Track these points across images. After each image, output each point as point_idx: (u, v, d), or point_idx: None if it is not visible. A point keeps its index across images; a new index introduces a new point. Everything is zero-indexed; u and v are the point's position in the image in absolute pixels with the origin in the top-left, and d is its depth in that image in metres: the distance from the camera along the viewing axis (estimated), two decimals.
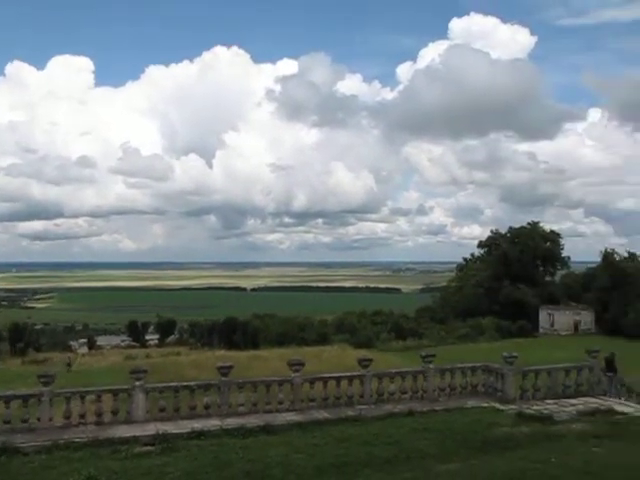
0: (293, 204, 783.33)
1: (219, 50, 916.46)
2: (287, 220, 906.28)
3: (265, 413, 17.79)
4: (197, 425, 16.22)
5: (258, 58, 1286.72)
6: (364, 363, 19.44)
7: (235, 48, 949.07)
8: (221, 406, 17.75)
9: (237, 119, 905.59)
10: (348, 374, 19.43)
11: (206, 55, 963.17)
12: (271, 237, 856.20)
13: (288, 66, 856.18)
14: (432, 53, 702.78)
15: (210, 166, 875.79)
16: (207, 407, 17.65)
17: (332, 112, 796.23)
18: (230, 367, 18.20)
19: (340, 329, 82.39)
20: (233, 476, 11.89)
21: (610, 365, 24.71)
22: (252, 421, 16.66)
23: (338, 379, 19.06)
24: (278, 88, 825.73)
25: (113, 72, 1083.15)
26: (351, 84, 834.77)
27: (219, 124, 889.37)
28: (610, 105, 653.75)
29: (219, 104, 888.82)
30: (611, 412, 17.61)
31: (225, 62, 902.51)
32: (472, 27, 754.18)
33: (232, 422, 16.58)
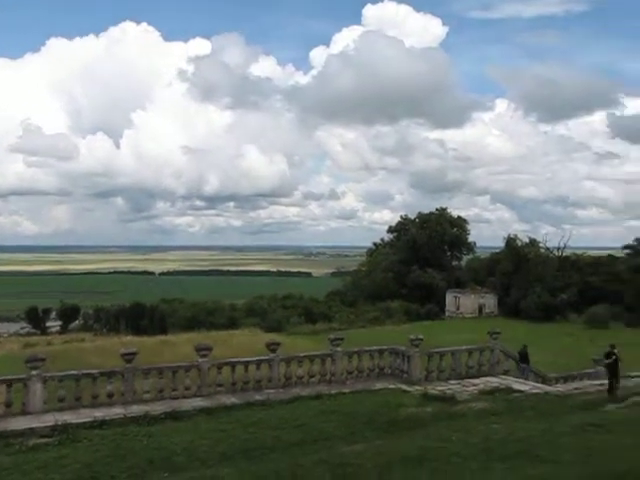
0: (204, 187, 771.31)
1: (127, 26, 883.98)
2: (198, 203, 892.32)
3: (171, 399, 17.44)
4: (99, 414, 15.68)
5: (169, 36, 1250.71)
6: (272, 347, 19.40)
7: (144, 25, 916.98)
8: (125, 394, 17.24)
9: (146, 98, 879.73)
10: (256, 358, 19.38)
11: (113, 30, 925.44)
12: (181, 220, 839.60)
13: (200, 46, 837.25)
14: (346, 39, 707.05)
15: (118, 146, 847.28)
16: (110, 395, 17.09)
17: (245, 94, 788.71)
18: (134, 353, 17.69)
19: (250, 313, 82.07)
20: (136, 465, 11.55)
21: (523, 357, 25.90)
22: (157, 408, 16.28)
23: (246, 364, 18.97)
24: (190, 68, 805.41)
25: (9, 42, 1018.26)
26: (265, 66, 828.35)
27: (127, 103, 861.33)
28: (515, 97, 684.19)
29: (127, 82, 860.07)
30: (509, 390, 18.45)
31: (134, 39, 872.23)
32: (386, 14, 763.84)
33: (137, 409, 16.15)
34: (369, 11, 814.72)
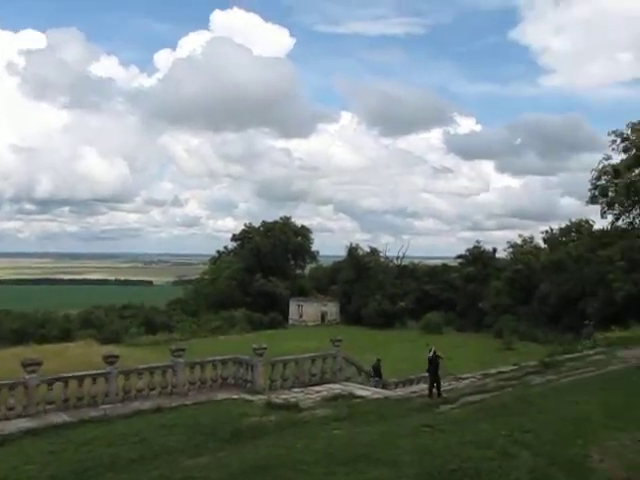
0: (36, 190, 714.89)
1: None
2: (28, 207, 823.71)
3: None
4: None
5: None
6: (110, 360, 18.49)
7: None
8: None
9: None
10: (92, 372, 18.36)
11: None
12: (8, 225, 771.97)
13: (34, 38, 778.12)
14: (193, 43, 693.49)
15: None
16: None
17: (85, 94, 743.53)
18: None
19: (86, 324, 78.05)
20: None
21: (377, 371, 26.64)
22: None
23: (81, 378, 17.88)
24: (21, 62, 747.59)
25: None
26: (107, 66, 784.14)
27: None
28: (359, 110, 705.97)
29: None
30: (351, 396, 18.90)
31: None
32: (234, 21, 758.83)
33: None
34: (217, 17, 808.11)
